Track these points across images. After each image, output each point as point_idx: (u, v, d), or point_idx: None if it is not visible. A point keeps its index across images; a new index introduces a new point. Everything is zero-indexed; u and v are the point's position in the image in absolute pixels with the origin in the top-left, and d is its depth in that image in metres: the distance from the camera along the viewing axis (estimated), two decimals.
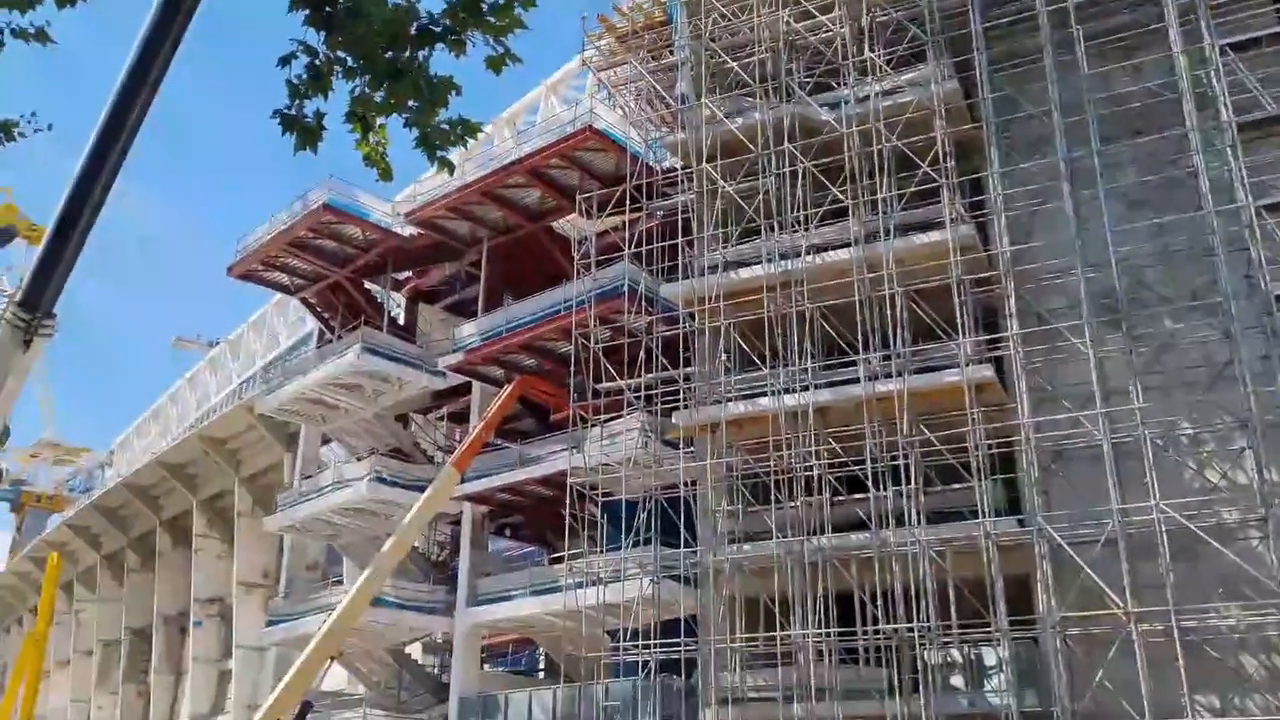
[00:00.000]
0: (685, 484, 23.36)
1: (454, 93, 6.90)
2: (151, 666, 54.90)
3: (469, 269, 32.91)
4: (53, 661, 64.74)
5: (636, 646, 22.53)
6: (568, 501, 24.00)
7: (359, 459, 31.80)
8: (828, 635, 20.83)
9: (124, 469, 65.93)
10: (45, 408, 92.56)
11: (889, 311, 21.74)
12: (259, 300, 57.69)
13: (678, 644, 22.58)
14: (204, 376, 66.65)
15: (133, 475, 55.69)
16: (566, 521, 23.74)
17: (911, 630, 20.07)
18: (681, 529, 22.79)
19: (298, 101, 6.62)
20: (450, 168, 7.35)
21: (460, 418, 34.29)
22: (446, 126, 7.06)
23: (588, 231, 28.12)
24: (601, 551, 23.83)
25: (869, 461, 21.04)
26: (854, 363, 22.32)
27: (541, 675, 34.53)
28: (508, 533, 35.63)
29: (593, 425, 24.60)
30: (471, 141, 7.39)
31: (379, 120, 7.11)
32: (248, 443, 47.38)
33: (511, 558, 35.29)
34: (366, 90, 6.79)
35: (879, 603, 20.20)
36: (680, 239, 24.60)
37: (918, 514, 20.57)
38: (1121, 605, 18.70)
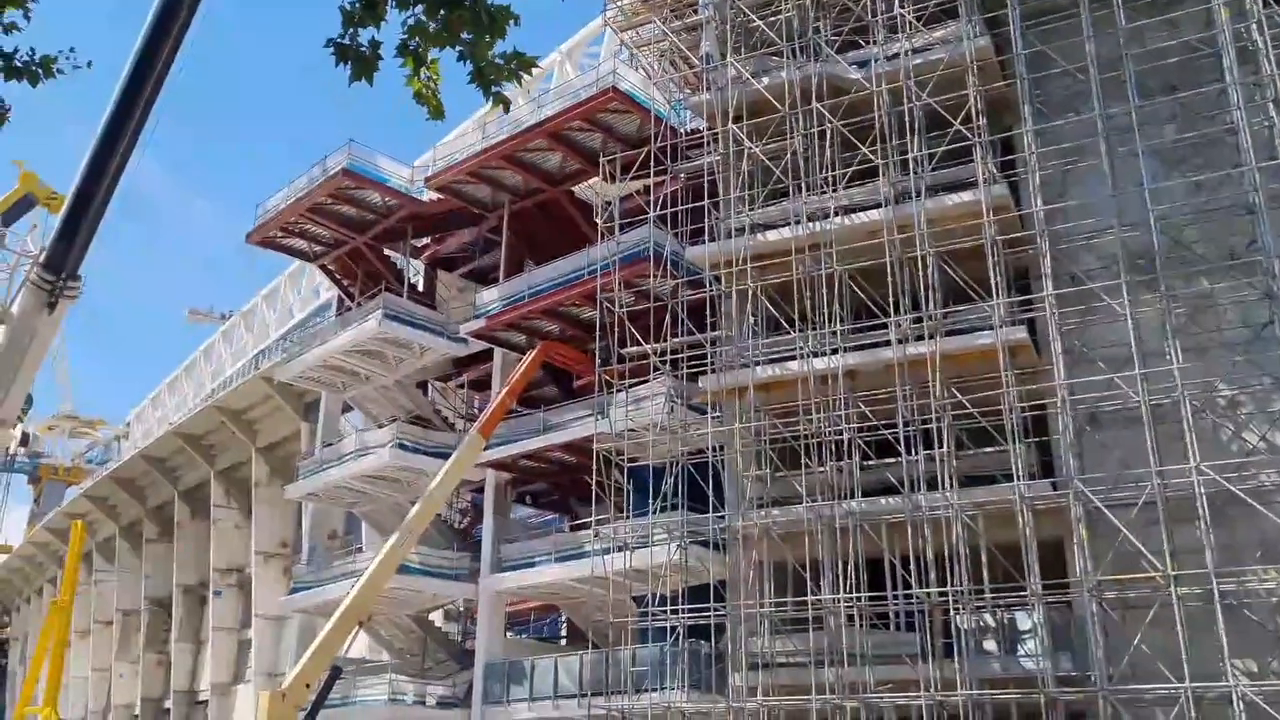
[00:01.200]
0: (712, 448, 23.10)
1: (512, 23, 6.61)
2: (172, 636, 55.24)
3: (488, 235, 32.57)
4: (73, 632, 65.17)
5: (665, 612, 22.36)
6: (595, 468, 23.77)
7: (379, 426, 31.64)
8: (858, 600, 20.64)
9: (140, 441, 66.09)
10: (62, 380, 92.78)
11: (920, 273, 21.40)
12: (265, 278, 57.78)
13: (706, 609, 22.43)
14: (219, 349, 66.61)
15: (150, 446, 55.82)
16: (593, 488, 23.50)
17: (944, 595, 19.87)
18: (710, 494, 22.56)
19: (351, 30, 6.34)
20: (506, 104, 7.07)
21: (480, 385, 34.08)
22: (502, 60, 6.77)
23: (610, 196, 27.77)
24: (628, 517, 23.63)
25: (901, 425, 20.75)
26: (883, 325, 22.01)
27: (563, 642, 34.47)
28: (528, 500, 35.49)
29: (618, 390, 24.32)
30: (526, 77, 7.09)
31: (431, 54, 6.83)
32: (265, 413, 47.43)
33: (532, 525, 35.18)
34: (421, 19, 6.50)
35: (912, 567, 19.97)
36: (706, 201, 24.25)
37: (950, 478, 20.31)
38: (1160, 568, 18.40)
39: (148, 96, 14.78)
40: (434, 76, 6.98)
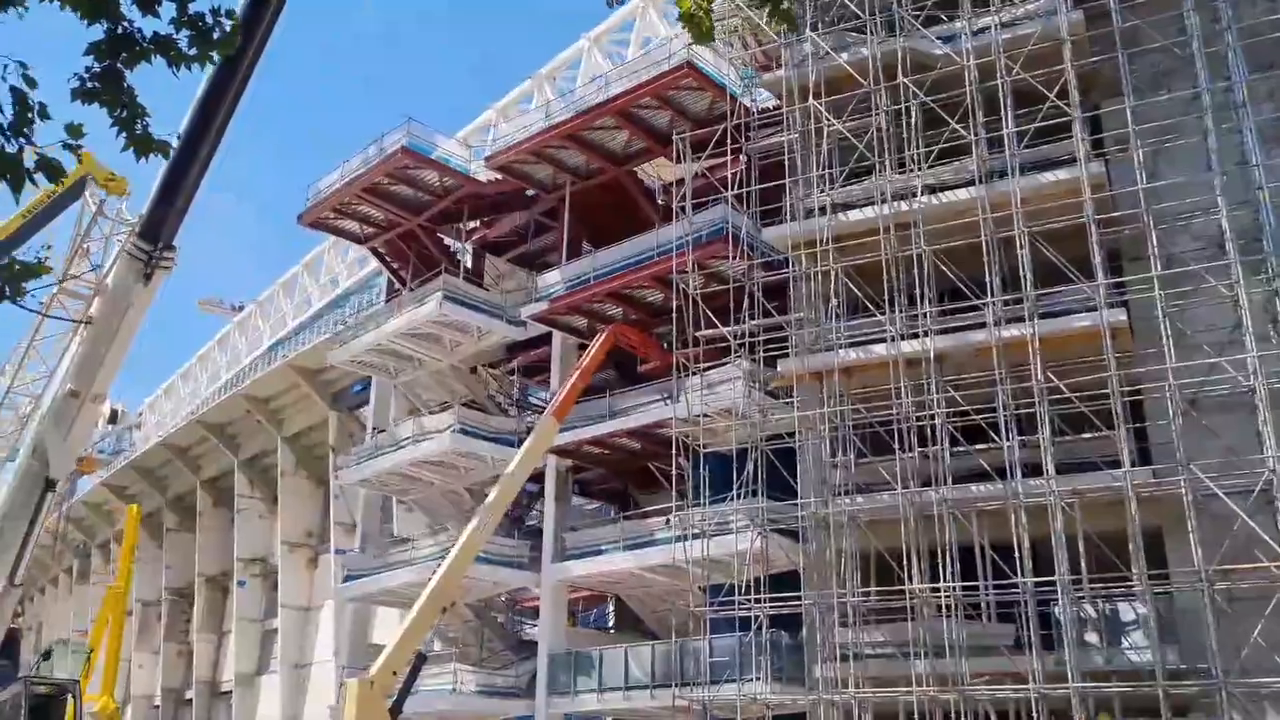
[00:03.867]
0: (799, 433, 22.50)
1: None
2: (193, 626, 54.74)
3: (539, 218, 31.87)
4: (90, 621, 64.52)
5: (748, 601, 21.72)
6: (674, 453, 23.16)
7: (430, 412, 30.98)
8: (951, 590, 20.05)
9: (153, 431, 65.45)
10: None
11: (1018, 253, 20.79)
12: (274, 268, 57.17)
13: (788, 598, 21.85)
14: (234, 338, 66.00)
15: (172, 435, 55.26)
16: (672, 475, 22.88)
17: (1047, 584, 19.31)
18: (798, 482, 21.96)
19: None
20: (791, 22, 6.48)
21: (531, 371, 33.47)
22: None
23: (672, 176, 27.11)
24: (704, 505, 22.98)
25: (1000, 409, 20.16)
26: (973, 308, 21.45)
27: (611, 632, 33.87)
28: (576, 488, 34.81)
29: (693, 374, 23.68)
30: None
31: None
32: (291, 401, 46.96)
33: (587, 513, 34.52)
34: None
35: (1017, 556, 19.38)
36: (787, 180, 23.63)
37: (1050, 464, 19.71)
38: None
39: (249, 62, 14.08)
40: None
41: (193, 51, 6.43)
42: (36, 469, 15.27)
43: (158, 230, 15.36)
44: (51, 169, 4.66)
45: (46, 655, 30.59)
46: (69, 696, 15.90)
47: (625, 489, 31.62)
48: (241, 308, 68.74)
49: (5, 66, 4.47)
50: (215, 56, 6.50)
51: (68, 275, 17.44)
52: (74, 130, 4.61)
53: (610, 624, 34.68)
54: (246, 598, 50.21)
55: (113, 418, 37.47)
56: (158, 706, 56.44)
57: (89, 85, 5.65)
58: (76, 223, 18.14)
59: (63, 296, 17.41)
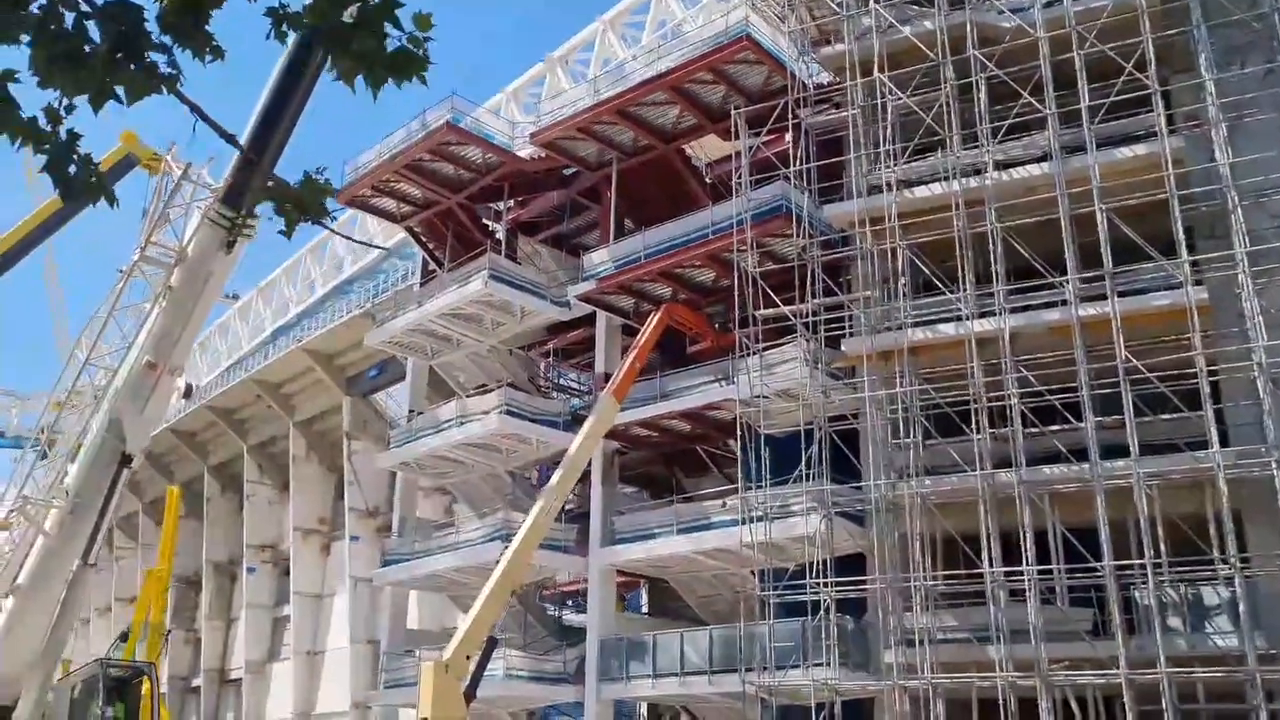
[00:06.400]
0: (868, 414, 22.01)
1: None
2: (201, 613, 53.98)
3: (577, 197, 31.16)
4: (92, 609, 63.55)
5: (813, 585, 21.22)
6: (736, 434, 22.62)
7: (468, 395, 30.31)
8: (1029, 573, 19.60)
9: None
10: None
11: (1097, 230, 20.31)
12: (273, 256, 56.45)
13: (853, 582, 21.37)
14: (234, 324, 65.14)
15: (180, 420, 54.28)
16: (735, 456, 22.33)
17: (1127, 568, 18.90)
18: (863, 464, 21.45)
19: None
20: None
21: (568, 353, 32.85)
22: None
23: (725, 153, 26.48)
24: (765, 487, 22.43)
25: (1082, 389, 19.69)
26: (1047, 286, 21.01)
27: (646, 617, 33.30)
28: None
29: (753, 354, 23.10)
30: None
31: None
32: (303, 386, 46.21)
33: (622, 498, 33.89)
34: None
35: (1101, 539, 18.94)
36: (851, 155, 23.09)
37: (1134, 445, 19.26)
38: None
39: None
40: None
41: None
42: (112, 444, 14.71)
43: (241, 195, 14.75)
44: (403, 65, 4.07)
45: (124, 637, 29.93)
46: (144, 678, 15.32)
47: (670, 472, 31.06)
48: (236, 297, 67.83)
49: None
50: None
51: (149, 241, 16.72)
52: (423, 21, 4.01)
53: (644, 609, 34.13)
54: (256, 584, 49.51)
55: (187, 392, 36.52)
56: (164, 694, 55.63)
57: None
58: (157, 188, 17.42)
59: (143, 265, 16.72)
